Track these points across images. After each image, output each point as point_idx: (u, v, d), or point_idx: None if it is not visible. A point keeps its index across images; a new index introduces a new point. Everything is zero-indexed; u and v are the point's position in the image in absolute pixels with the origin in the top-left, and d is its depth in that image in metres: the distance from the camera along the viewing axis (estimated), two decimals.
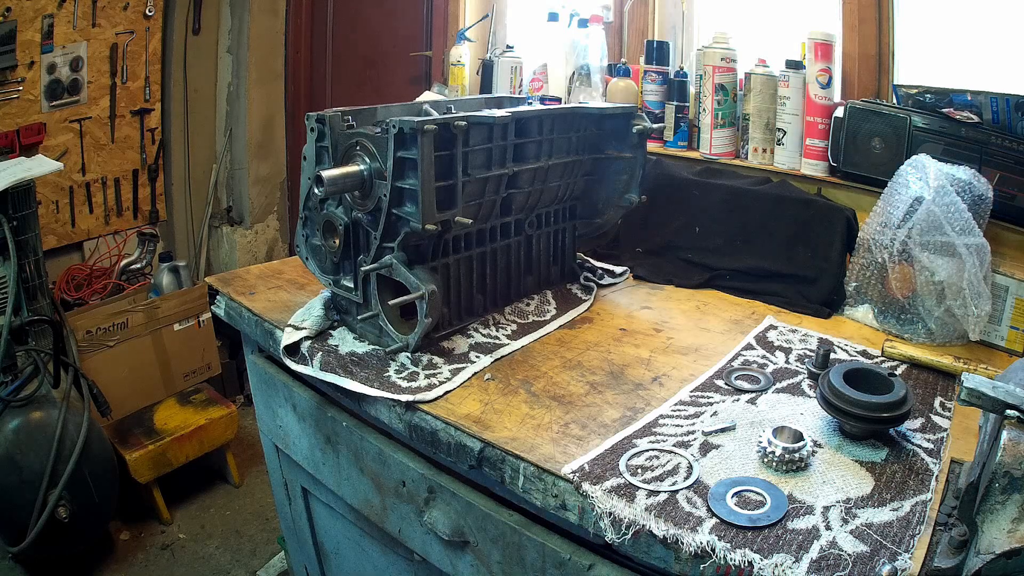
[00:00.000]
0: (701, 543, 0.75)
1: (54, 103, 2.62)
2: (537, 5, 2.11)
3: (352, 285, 1.20)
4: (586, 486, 0.84)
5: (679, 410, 1.02)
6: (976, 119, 1.30)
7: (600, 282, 1.49)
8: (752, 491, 0.83)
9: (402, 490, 1.11)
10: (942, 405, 1.05)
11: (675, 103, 1.76)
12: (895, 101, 1.45)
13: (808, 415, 1.00)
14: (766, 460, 0.88)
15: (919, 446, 0.93)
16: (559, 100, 1.92)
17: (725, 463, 0.89)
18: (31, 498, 1.88)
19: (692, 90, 1.76)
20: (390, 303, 1.13)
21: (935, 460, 0.90)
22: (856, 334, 1.31)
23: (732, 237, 1.54)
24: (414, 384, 1.07)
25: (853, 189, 1.50)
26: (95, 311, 2.38)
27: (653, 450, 0.92)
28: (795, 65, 1.55)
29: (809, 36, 1.51)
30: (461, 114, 1.14)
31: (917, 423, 0.98)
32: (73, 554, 2.12)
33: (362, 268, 1.15)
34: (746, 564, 0.73)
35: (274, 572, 2.18)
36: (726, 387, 1.09)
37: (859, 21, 1.53)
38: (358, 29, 3.04)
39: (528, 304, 1.36)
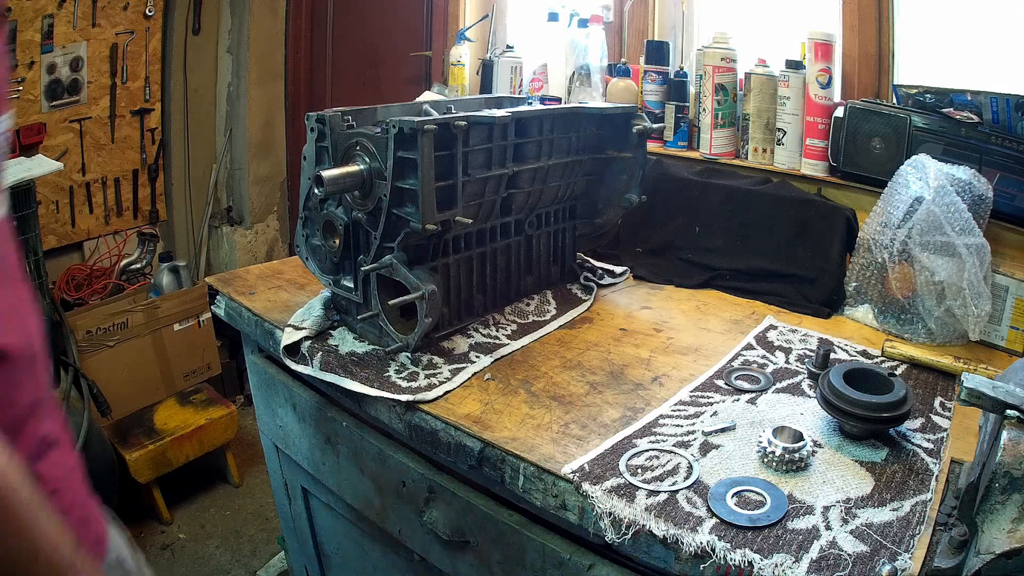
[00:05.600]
0: (701, 543, 0.75)
1: (54, 103, 2.62)
2: (537, 5, 2.11)
3: (352, 285, 1.21)
4: (586, 486, 0.84)
5: (679, 410, 1.02)
6: (976, 119, 1.30)
7: (600, 282, 1.49)
8: (752, 491, 0.83)
9: (402, 490, 1.11)
10: (942, 405, 1.05)
11: (675, 103, 1.76)
12: (895, 101, 1.45)
13: (808, 415, 1.00)
14: (766, 460, 0.88)
15: (919, 446, 0.93)
16: (559, 100, 1.92)
17: (725, 463, 0.89)
18: None
19: (692, 90, 1.76)
20: (390, 303, 1.13)
21: (935, 460, 0.90)
22: (856, 334, 1.31)
23: (732, 237, 1.54)
24: (414, 384, 1.07)
25: (853, 189, 1.50)
26: (95, 311, 2.38)
27: (653, 450, 0.92)
28: (795, 65, 1.55)
29: (809, 36, 1.51)
30: (461, 114, 1.14)
31: (917, 423, 0.98)
32: None
33: (362, 268, 1.15)
34: (746, 564, 0.73)
35: (274, 572, 2.18)
36: (726, 387, 1.09)
37: (859, 21, 1.53)
38: (358, 29, 3.04)
39: (528, 304, 1.36)
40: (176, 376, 2.60)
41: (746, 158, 1.66)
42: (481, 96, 1.72)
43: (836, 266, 1.42)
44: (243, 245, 3.30)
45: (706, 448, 0.92)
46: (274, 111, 3.27)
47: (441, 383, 1.07)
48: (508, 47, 2.09)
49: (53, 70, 2.59)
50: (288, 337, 1.19)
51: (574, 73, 1.88)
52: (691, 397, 1.06)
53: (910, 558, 0.72)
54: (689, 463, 0.89)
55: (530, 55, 2.05)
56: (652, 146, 1.69)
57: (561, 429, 0.97)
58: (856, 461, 0.90)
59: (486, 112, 1.15)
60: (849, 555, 0.73)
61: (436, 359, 1.14)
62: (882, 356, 1.19)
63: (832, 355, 1.14)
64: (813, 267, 1.44)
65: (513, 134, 1.20)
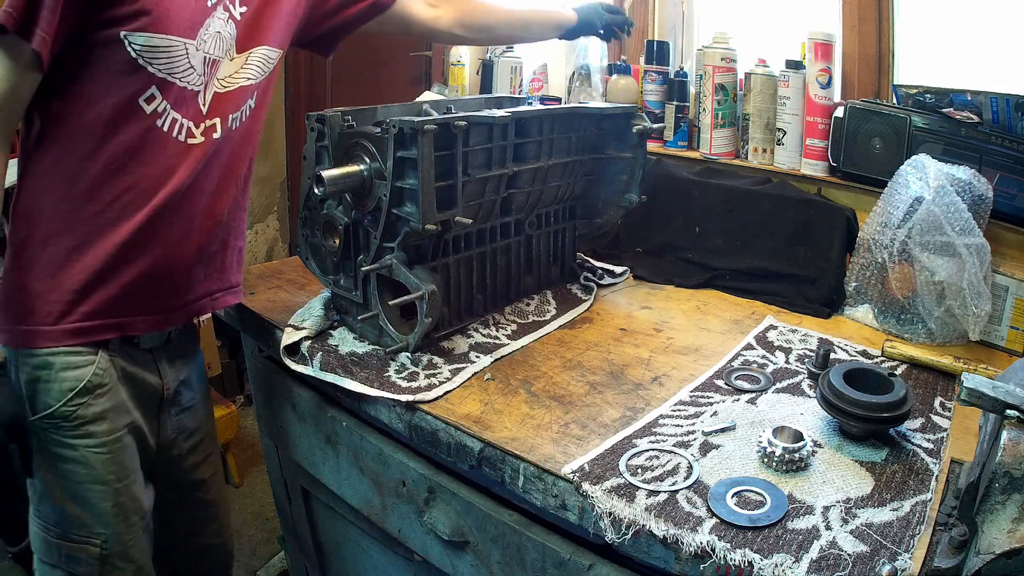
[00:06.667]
0: (701, 543, 0.75)
1: None
2: (537, 5, 2.11)
3: (352, 285, 1.20)
4: (586, 486, 0.84)
5: (679, 410, 1.02)
6: (976, 119, 1.30)
7: (600, 282, 1.49)
8: (752, 491, 0.83)
9: (402, 490, 1.11)
10: (942, 405, 1.05)
11: (675, 103, 1.76)
12: (895, 101, 1.45)
13: (808, 415, 1.00)
14: (766, 460, 0.88)
15: (919, 446, 0.93)
16: (559, 100, 1.92)
17: (725, 463, 0.89)
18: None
19: (692, 90, 1.76)
20: (390, 303, 1.13)
21: (935, 460, 0.90)
22: (856, 334, 1.31)
23: (732, 237, 1.54)
24: (414, 384, 1.07)
25: (853, 189, 1.50)
26: None
27: (653, 450, 0.92)
28: (795, 65, 1.55)
29: (809, 36, 1.51)
30: (461, 114, 1.14)
31: (917, 423, 0.98)
32: None
33: (362, 268, 1.15)
34: (746, 564, 0.73)
35: (274, 572, 2.18)
36: (726, 387, 1.09)
37: (859, 21, 1.53)
38: None
39: (528, 304, 1.36)
40: None
41: (746, 158, 1.66)
42: (481, 96, 1.72)
43: (836, 266, 1.42)
44: None
45: (706, 448, 0.92)
46: (274, 111, 3.26)
47: (441, 383, 1.07)
48: (508, 47, 2.09)
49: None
50: (288, 337, 1.18)
51: (574, 73, 1.88)
52: (691, 397, 1.06)
53: (910, 558, 0.72)
54: (689, 463, 0.89)
55: (530, 55, 2.05)
56: (652, 146, 1.69)
57: (561, 429, 0.97)
58: (856, 461, 0.90)
59: (486, 112, 1.15)
60: (849, 555, 0.73)
61: (436, 359, 1.14)
62: (882, 356, 1.19)
63: (832, 355, 1.14)
64: (813, 267, 1.44)
65: (513, 134, 1.20)
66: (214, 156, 1.08)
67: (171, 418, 1.19)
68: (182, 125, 1.02)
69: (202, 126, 1.05)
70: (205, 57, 1.02)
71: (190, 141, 1.04)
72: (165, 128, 1.01)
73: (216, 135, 1.07)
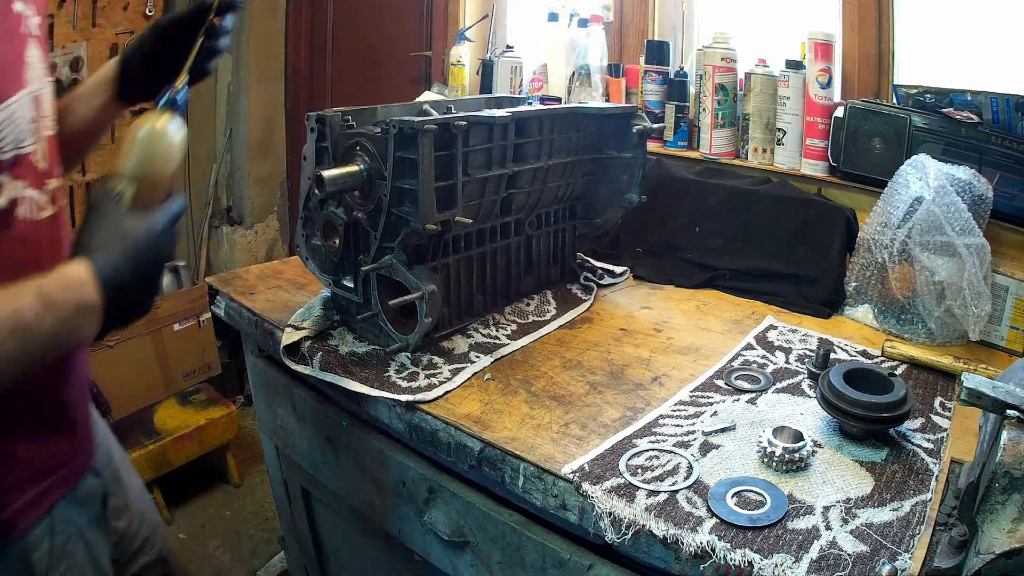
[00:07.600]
0: (701, 543, 0.75)
1: None
2: (537, 5, 2.11)
3: (352, 285, 1.20)
4: (586, 486, 0.84)
5: (679, 410, 1.02)
6: (976, 119, 1.30)
7: (600, 282, 1.49)
8: (752, 491, 0.83)
9: (402, 490, 1.11)
10: (942, 405, 1.05)
11: (675, 103, 1.76)
12: (895, 101, 1.45)
13: (808, 415, 1.00)
14: (766, 460, 0.88)
15: (919, 446, 0.93)
16: (559, 100, 1.92)
17: (725, 463, 0.89)
18: None
19: (692, 90, 1.76)
20: (390, 303, 1.13)
21: (935, 460, 0.90)
22: (856, 334, 1.31)
23: (732, 237, 1.54)
24: (414, 384, 1.07)
25: (853, 189, 1.50)
26: None
27: (653, 450, 0.92)
28: (795, 65, 1.55)
29: (809, 36, 1.51)
30: (461, 114, 1.13)
31: (917, 423, 0.98)
32: None
33: (362, 268, 1.15)
34: (746, 564, 0.73)
35: (274, 572, 2.18)
36: (726, 387, 1.09)
37: (859, 21, 1.53)
38: (358, 29, 3.04)
39: (528, 304, 1.36)
40: (176, 376, 2.60)
41: (746, 158, 1.66)
42: (481, 96, 1.72)
43: (836, 266, 1.42)
44: (243, 245, 3.30)
45: (706, 448, 0.92)
46: (274, 111, 3.27)
47: (441, 383, 1.07)
48: (508, 47, 2.09)
49: (53, 70, 2.58)
50: (288, 337, 1.18)
51: (574, 73, 1.88)
52: (691, 397, 1.06)
53: (910, 558, 0.72)
54: (689, 463, 0.89)
55: (530, 55, 2.05)
56: (652, 146, 1.69)
57: (561, 429, 0.97)
58: (856, 461, 0.90)
59: (486, 112, 1.15)
60: (849, 555, 0.73)
61: (436, 359, 1.14)
62: (882, 356, 1.19)
63: (832, 355, 1.14)
64: (813, 267, 1.44)
65: (513, 134, 1.20)
66: (62, 225, 0.83)
67: (109, 509, 1.01)
68: (32, 201, 0.77)
69: (46, 189, 0.80)
70: (38, 97, 0.78)
71: (41, 215, 0.79)
72: (20, 216, 0.76)
73: (64, 199, 0.83)
